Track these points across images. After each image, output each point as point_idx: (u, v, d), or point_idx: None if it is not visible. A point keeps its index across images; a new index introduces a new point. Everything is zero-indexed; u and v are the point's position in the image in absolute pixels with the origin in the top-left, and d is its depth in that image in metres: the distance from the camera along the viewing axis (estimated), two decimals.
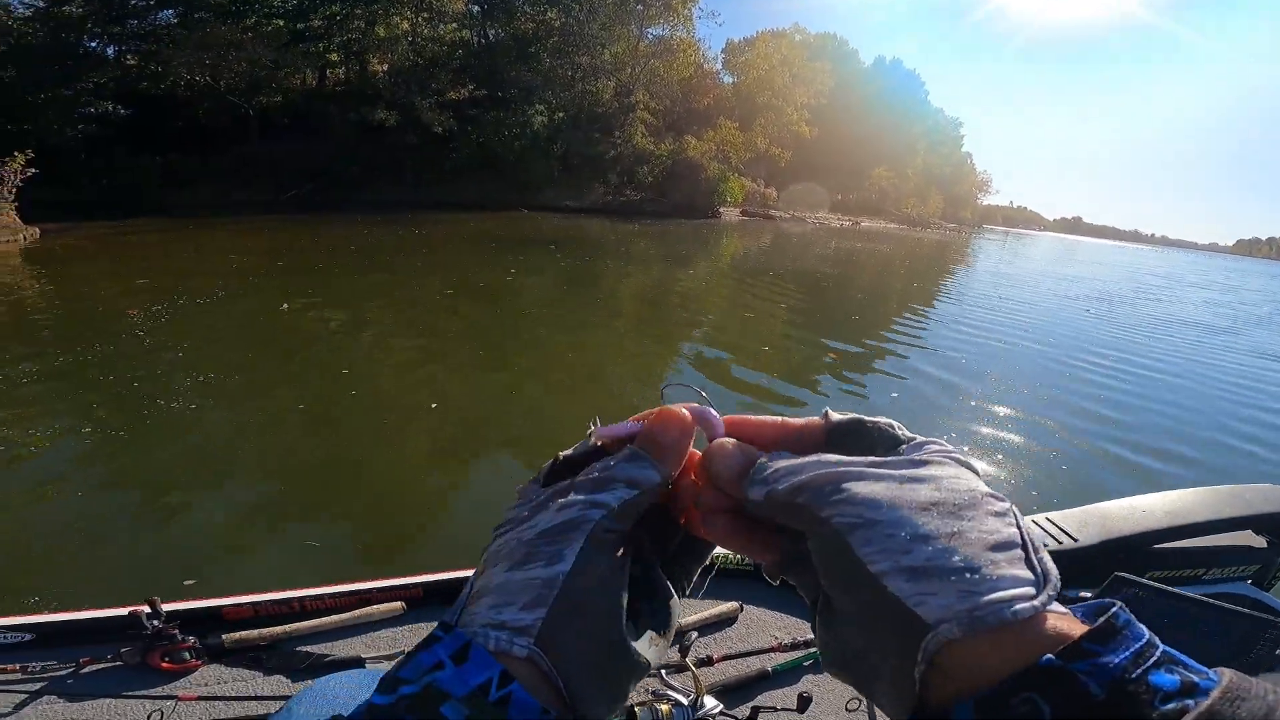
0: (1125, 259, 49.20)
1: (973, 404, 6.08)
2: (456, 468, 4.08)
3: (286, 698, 0.73)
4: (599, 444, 0.34)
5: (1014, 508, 0.29)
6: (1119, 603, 0.24)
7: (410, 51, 21.00)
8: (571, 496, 0.31)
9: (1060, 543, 1.43)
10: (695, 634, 1.30)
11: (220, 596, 1.38)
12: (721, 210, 30.25)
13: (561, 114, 24.76)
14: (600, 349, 6.95)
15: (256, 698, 1.19)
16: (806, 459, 0.30)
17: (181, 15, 17.58)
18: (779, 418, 0.35)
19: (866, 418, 0.33)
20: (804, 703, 1.15)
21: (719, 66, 38.06)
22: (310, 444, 4.18)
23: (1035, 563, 0.26)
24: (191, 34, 16.31)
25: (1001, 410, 5.87)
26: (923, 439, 0.31)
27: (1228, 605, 1.09)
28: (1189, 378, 8.05)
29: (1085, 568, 1.41)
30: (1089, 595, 1.09)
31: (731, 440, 0.33)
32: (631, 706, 1.05)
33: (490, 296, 8.42)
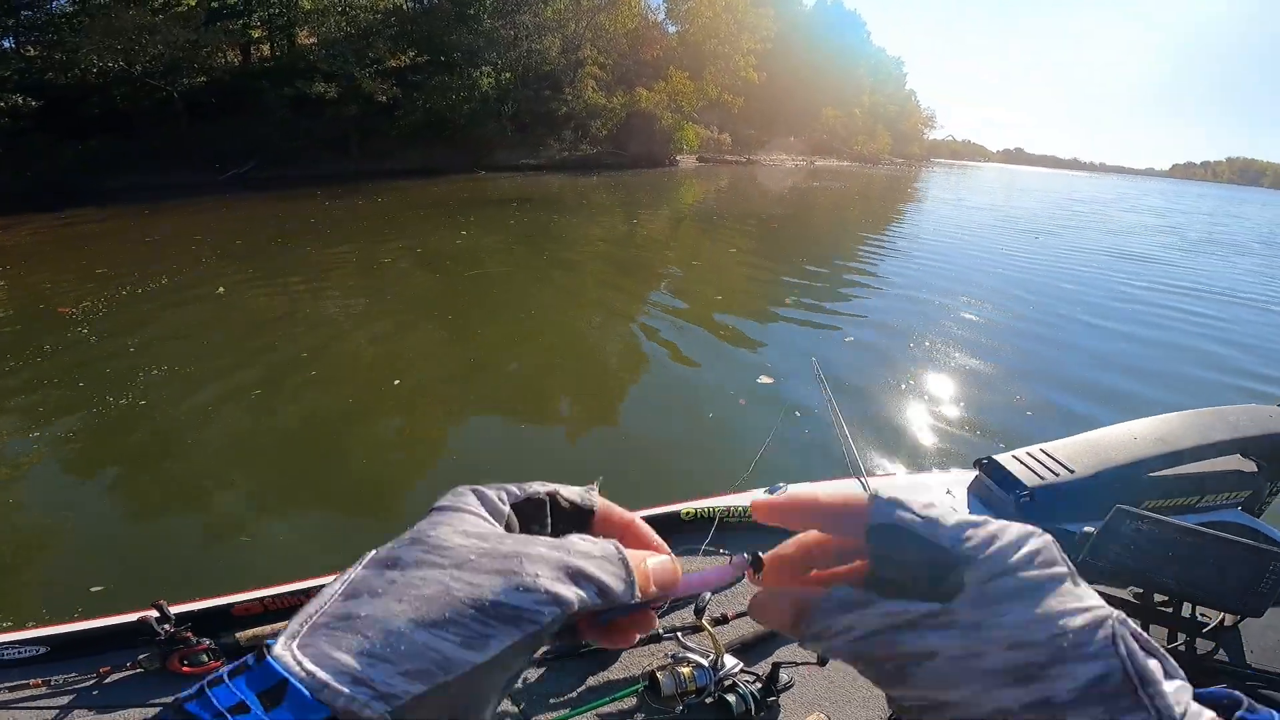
0: (1059, 185, 49.11)
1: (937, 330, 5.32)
2: (428, 442, 3.38)
3: None
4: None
5: (1113, 619, 0.22)
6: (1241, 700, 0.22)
7: (342, 22, 19.26)
8: (535, 578, 0.23)
9: (1058, 475, 1.39)
10: (708, 594, 1.07)
11: (223, 594, 1.24)
12: (679, 158, 29.09)
13: (509, 74, 23.19)
14: (564, 304, 6.01)
15: None
16: (857, 611, 0.25)
17: (79, 3, 15.75)
18: (813, 495, 0.29)
19: (908, 516, 0.25)
20: (824, 658, 1.04)
21: (662, 17, 36.40)
22: (281, 428, 3.45)
23: (1146, 700, 0.21)
24: (95, 21, 14.54)
25: (962, 336, 5.21)
26: (981, 535, 0.24)
27: (1230, 536, 1.04)
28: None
29: (1084, 499, 1.36)
30: (1091, 529, 1.09)
31: (775, 589, 0.29)
32: (653, 671, 1.01)
33: (455, 259, 7.21)
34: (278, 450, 3.18)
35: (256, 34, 18.82)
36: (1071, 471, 1.40)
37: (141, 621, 1.12)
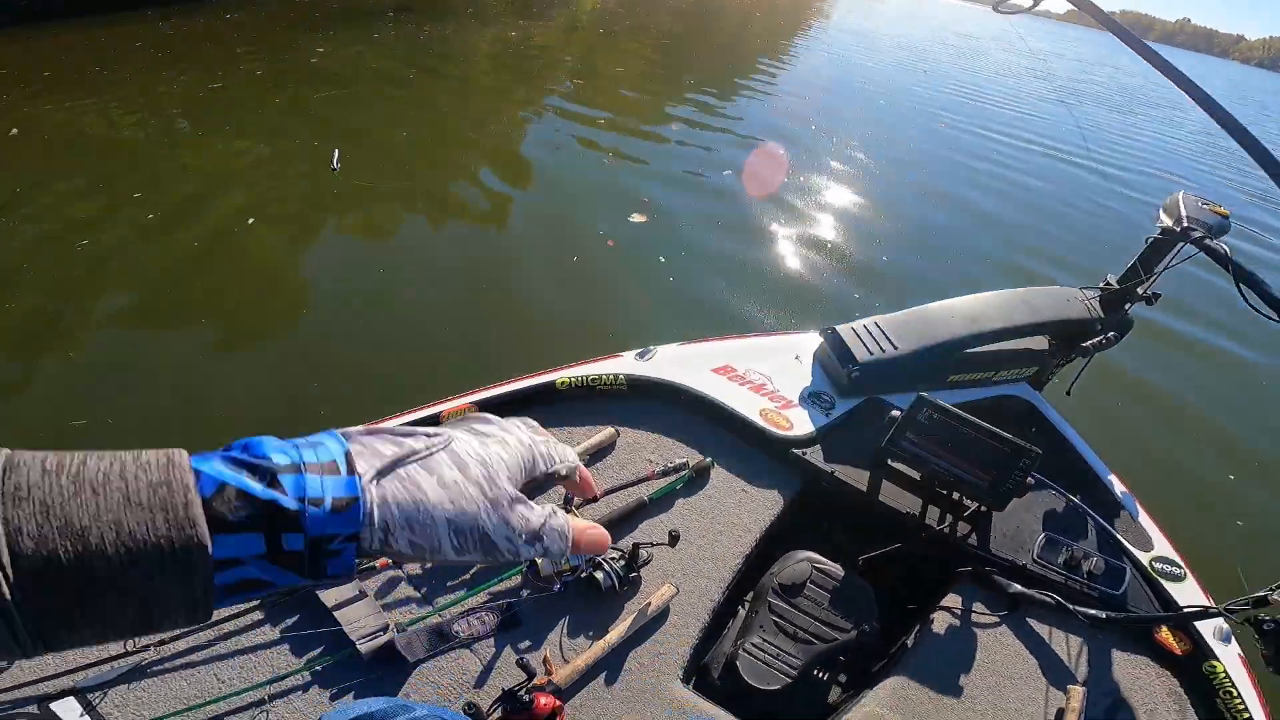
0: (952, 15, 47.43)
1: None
2: (288, 286, 2.90)
3: None
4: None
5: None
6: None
7: None
8: (518, 537, 0.33)
9: (884, 351, 1.46)
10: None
11: None
12: None
13: None
14: (433, 132, 5.16)
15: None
16: None
17: None
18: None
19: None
20: (674, 538, 1.15)
21: None
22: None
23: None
24: None
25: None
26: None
27: (996, 432, 1.19)
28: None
29: (904, 373, 1.47)
30: (899, 411, 1.25)
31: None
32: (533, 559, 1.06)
33: (320, 80, 6.00)
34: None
35: None
36: (895, 348, 1.47)
37: None
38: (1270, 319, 1.21)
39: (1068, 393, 1.62)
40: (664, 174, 4.47)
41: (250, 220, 3.31)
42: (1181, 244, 1.42)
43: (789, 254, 3.64)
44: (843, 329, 1.52)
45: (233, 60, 6.44)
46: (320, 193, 3.68)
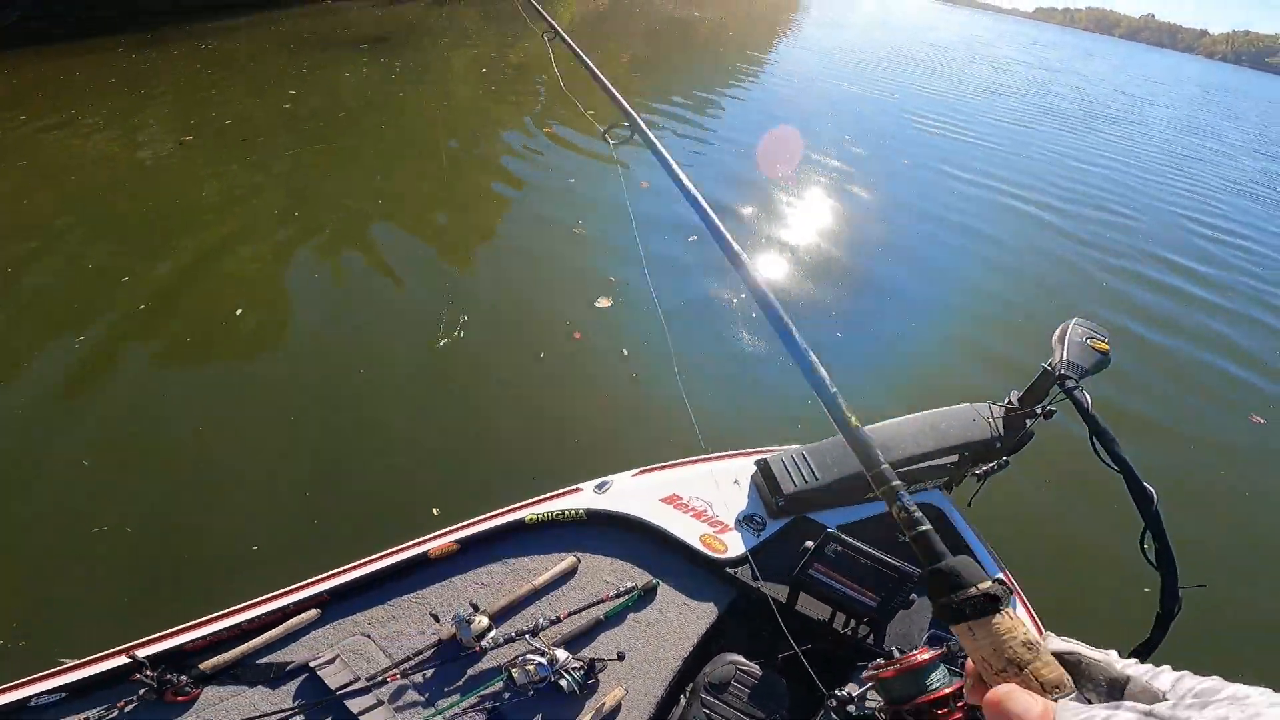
0: (923, 21, 47.59)
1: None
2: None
3: (296, 706, 1.24)
4: None
5: None
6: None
7: None
8: None
9: (806, 481, 1.65)
10: (545, 595, 1.49)
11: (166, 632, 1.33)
12: None
13: None
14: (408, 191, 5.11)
15: (275, 712, 1.27)
16: (1102, 709, 0.42)
17: None
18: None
19: (1084, 652, 0.47)
20: (620, 656, 1.39)
21: None
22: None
23: None
24: None
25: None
26: (1149, 673, 0.46)
27: (888, 561, 1.40)
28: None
29: (828, 499, 1.68)
30: (811, 543, 1.45)
31: (1014, 687, 0.45)
32: (509, 668, 1.31)
33: (284, 128, 5.96)
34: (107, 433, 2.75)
35: None
36: (817, 478, 1.68)
37: (131, 663, 1.25)
38: (1112, 469, 1.41)
39: (969, 504, 1.78)
40: (625, 248, 4.32)
41: (239, 311, 3.29)
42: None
43: (742, 328, 3.60)
44: (772, 460, 1.72)
45: (201, 105, 6.36)
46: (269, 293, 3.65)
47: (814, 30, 23.54)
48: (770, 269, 4.37)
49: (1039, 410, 1.70)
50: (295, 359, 2.97)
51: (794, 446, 1.79)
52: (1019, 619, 0.57)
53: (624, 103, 1.51)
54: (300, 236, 4.05)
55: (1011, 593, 1.32)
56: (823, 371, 0.87)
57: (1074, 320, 1.74)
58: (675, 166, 1.25)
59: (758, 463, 1.79)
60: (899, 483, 0.76)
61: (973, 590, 0.59)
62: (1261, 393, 3.96)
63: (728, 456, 1.87)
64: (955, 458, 1.78)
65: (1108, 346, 1.69)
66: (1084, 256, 5.45)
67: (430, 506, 2.25)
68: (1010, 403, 1.78)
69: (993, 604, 0.57)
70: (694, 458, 1.81)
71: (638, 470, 1.78)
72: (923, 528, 0.70)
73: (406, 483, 2.42)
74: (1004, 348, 3.81)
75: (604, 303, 3.49)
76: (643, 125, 1.42)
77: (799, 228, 5.06)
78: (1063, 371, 1.60)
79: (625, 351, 3.11)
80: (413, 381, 2.90)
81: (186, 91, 7.05)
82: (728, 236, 1.07)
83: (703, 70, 11.85)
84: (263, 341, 3.09)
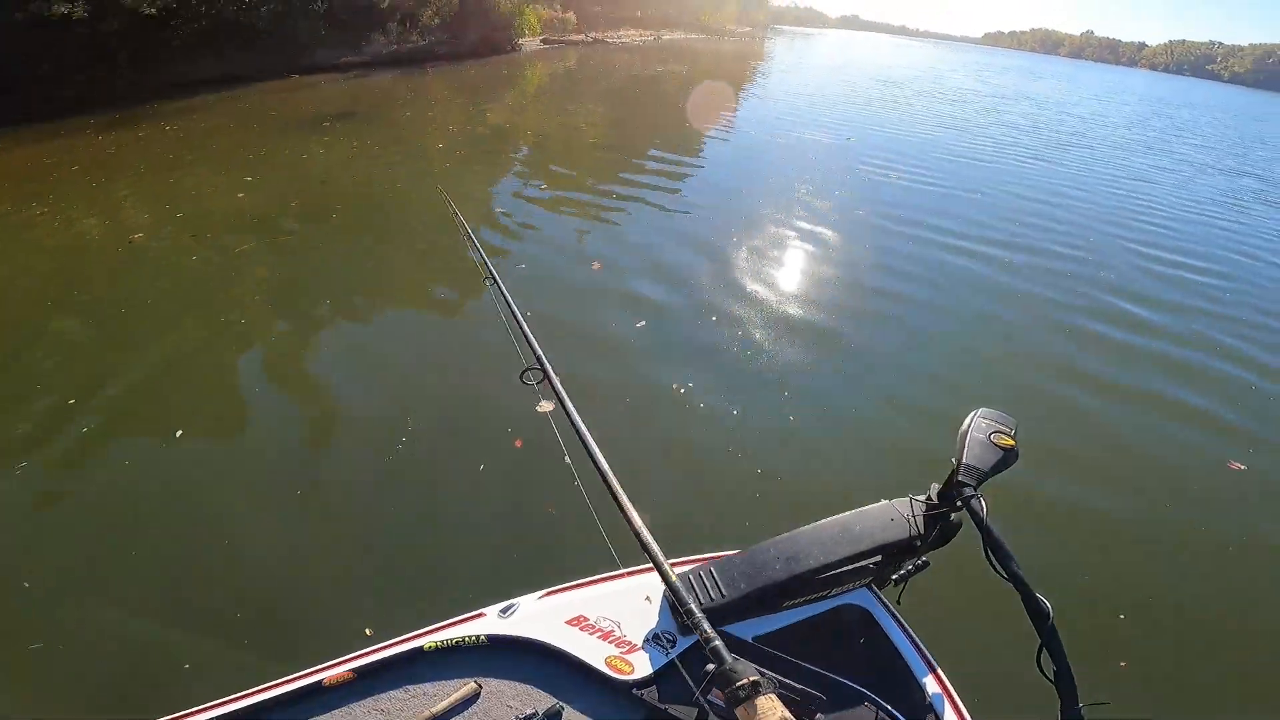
0: (880, 59, 49.41)
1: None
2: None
3: None
4: None
5: None
6: None
7: None
8: None
9: (714, 598, 1.57)
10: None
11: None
12: (521, 42, 26.20)
13: None
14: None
15: None
16: None
17: None
18: None
19: None
20: None
21: None
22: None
23: None
24: None
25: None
26: None
27: (790, 685, 1.33)
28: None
29: (736, 613, 1.58)
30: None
31: None
32: None
33: (243, 223, 5.92)
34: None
35: None
36: (724, 595, 1.59)
37: None
38: (1007, 582, 1.32)
39: (898, 601, 1.69)
40: (575, 328, 4.17)
41: (178, 432, 3.14)
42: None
43: (695, 422, 3.42)
44: (680, 577, 1.59)
45: (157, 195, 6.30)
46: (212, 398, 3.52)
47: (777, 77, 24.27)
48: (722, 342, 4.27)
49: (958, 504, 1.55)
50: (235, 484, 2.83)
51: (708, 557, 1.72)
52: (777, 703, 0.84)
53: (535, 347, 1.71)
54: (239, 344, 3.93)
55: (775, 684, 1.14)
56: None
57: (978, 413, 1.63)
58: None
59: (667, 581, 1.73)
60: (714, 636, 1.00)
61: (743, 681, 0.87)
62: (1238, 435, 3.86)
63: (638, 572, 1.80)
64: (879, 558, 1.67)
65: (1013, 442, 1.59)
66: (1033, 310, 5.22)
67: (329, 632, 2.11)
68: (930, 498, 1.69)
69: (755, 689, 0.86)
70: (603, 575, 1.72)
71: (545, 591, 1.69)
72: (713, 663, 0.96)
73: (299, 605, 2.29)
74: (935, 431, 3.49)
75: (546, 406, 3.33)
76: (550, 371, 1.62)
77: (755, 294, 4.97)
78: (960, 478, 1.51)
79: (567, 460, 2.98)
80: (360, 491, 2.77)
81: (146, 178, 7.03)
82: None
83: (669, 129, 12.07)
84: (205, 462, 2.95)
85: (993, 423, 1.62)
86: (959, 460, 1.54)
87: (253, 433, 3.20)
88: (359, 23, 20.97)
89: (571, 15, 32.64)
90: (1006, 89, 30.34)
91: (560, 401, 1.63)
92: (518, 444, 3.07)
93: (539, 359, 1.75)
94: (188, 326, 4.08)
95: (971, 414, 1.68)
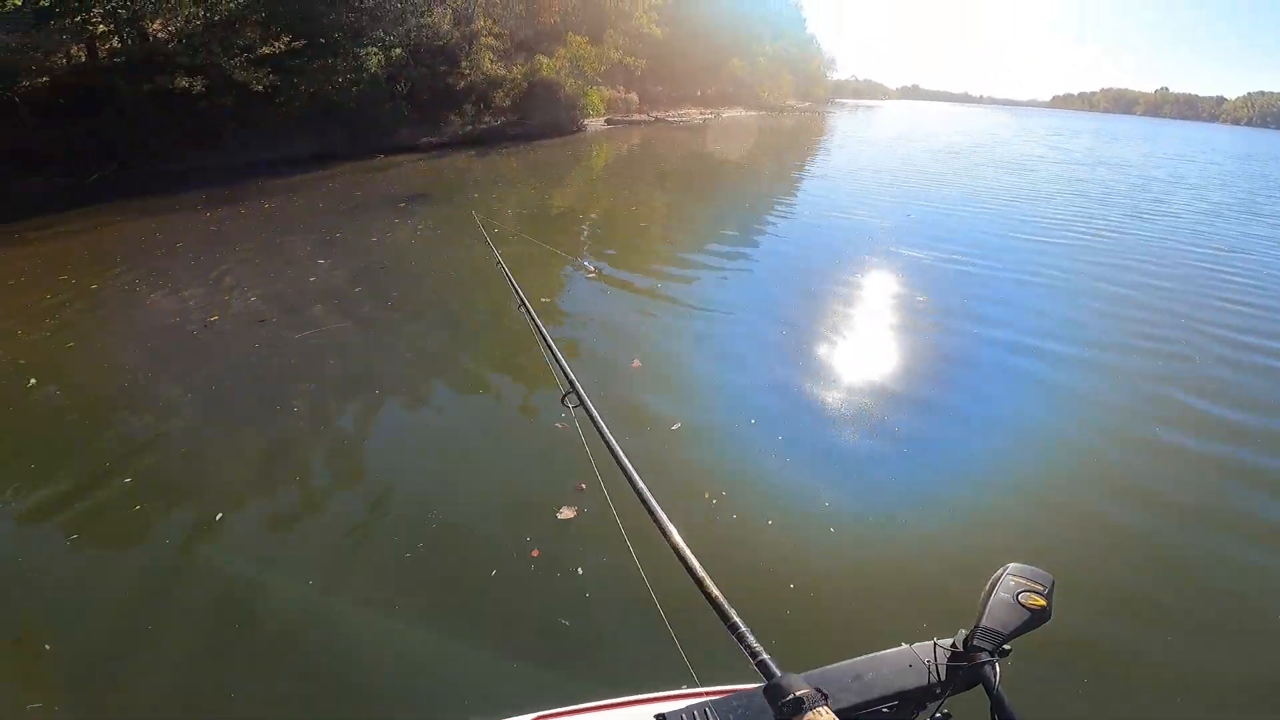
0: (943, 127, 49.04)
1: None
2: None
3: None
4: None
5: None
6: None
7: (199, 11, 16.88)
8: None
9: None
10: None
11: None
12: (586, 122, 27.74)
13: (399, 50, 21.14)
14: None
15: None
16: None
17: None
18: None
19: None
20: None
21: None
22: None
23: None
24: None
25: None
26: None
27: None
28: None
29: None
30: None
31: None
32: None
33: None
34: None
35: (100, 29, 16.25)
36: None
37: None
38: None
39: None
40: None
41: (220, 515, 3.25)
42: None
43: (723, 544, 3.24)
44: (671, 715, 1.47)
45: (241, 278, 6.84)
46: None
47: (835, 152, 24.47)
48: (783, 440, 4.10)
49: (989, 654, 1.41)
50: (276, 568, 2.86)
51: (705, 691, 1.55)
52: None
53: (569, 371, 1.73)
54: (292, 434, 4.08)
55: (825, 697, 1.04)
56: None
57: (1008, 569, 1.42)
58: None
59: (656, 717, 1.57)
60: None
61: (790, 695, 0.82)
62: None
63: (624, 704, 1.64)
64: (894, 704, 1.52)
65: (1045, 603, 1.36)
66: (1103, 419, 4.55)
67: None
68: (955, 645, 1.49)
69: (798, 704, 0.82)
70: (588, 704, 1.56)
71: (536, 716, 1.60)
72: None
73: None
74: (970, 568, 3.18)
75: (567, 513, 3.19)
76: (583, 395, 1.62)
77: (797, 393, 4.70)
78: (975, 641, 1.31)
79: (580, 570, 2.87)
80: (361, 608, 2.73)
81: (240, 255, 7.70)
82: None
83: (726, 211, 12.22)
84: (246, 545, 3.01)
85: (1024, 580, 1.44)
86: (978, 621, 1.38)
87: (310, 518, 3.28)
88: (438, 104, 22.88)
89: (634, 95, 34.46)
90: (1078, 154, 29.05)
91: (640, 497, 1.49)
92: (534, 554, 2.98)
93: (619, 461, 1.56)
94: (242, 408, 4.32)
95: (1001, 569, 1.49)
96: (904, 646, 1.68)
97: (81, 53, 16.36)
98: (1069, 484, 3.86)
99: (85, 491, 3.45)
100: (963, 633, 1.55)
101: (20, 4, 13.94)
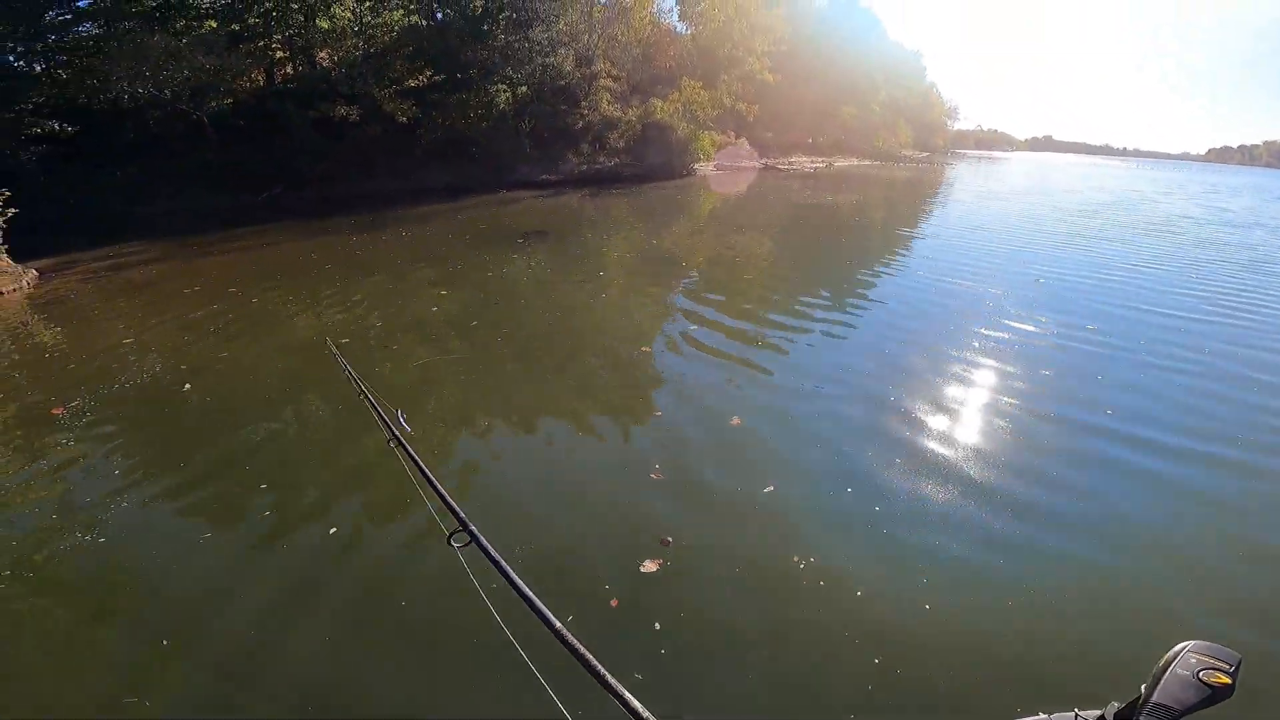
0: (1079, 184, 44.85)
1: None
2: None
3: None
4: None
5: None
6: None
7: (359, 42, 19.16)
8: None
9: None
10: None
11: None
12: (695, 166, 28.45)
13: (525, 88, 22.83)
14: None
15: None
16: None
17: (104, 27, 15.94)
18: None
19: None
20: None
21: (674, 20, 35.25)
22: None
23: None
24: (123, 46, 14.69)
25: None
26: None
27: None
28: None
29: None
30: None
31: None
32: None
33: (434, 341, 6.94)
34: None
35: (279, 54, 18.80)
36: None
37: None
38: None
39: None
40: (693, 487, 3.99)
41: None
42: None
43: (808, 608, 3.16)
44: None
45: (369, 302, 7.59)
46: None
47: (953, 206, 23.00)
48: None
49: None
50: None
51: None
52: None
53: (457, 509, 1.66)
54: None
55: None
56: None
57: (1189, 645, 1.26)
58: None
59: None
60: None
61: None
62: None
63: None
64: None
65: (1229, 680, 1.21)
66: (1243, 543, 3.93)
67: None
68: (1104, 717, 1.38)
69: None
70: None
71: None
72: None
73: None
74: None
75: (650, 566, 3.22)
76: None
77: (895, 466, 4.45)
78: (1143, 717, 1.20)
79: (657, 625, 2.89)
80: (429, 651, 2.89)
81: (377, 281, 8.58)
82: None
83: (832, 267, 11.95)
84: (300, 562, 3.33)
85: (1206, 657, 1.30)
86: (1148, 696, 1.25)
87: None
88: (557, 141, 24.36)
89: (744, 141, 34.89)
90: (1235, 214, 25.22)
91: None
92: (613, 604, 3.02)
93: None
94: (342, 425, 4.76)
95: (1180, 646, 1.35)
96: (1041, 716, 1.55)
97: (261, 76, 18.95)
98: (1206, 612, 3.43)
99: (207, 481, 3.93)
100: (1114, 705, 1.40)
101: (215, 27, 16.39)
